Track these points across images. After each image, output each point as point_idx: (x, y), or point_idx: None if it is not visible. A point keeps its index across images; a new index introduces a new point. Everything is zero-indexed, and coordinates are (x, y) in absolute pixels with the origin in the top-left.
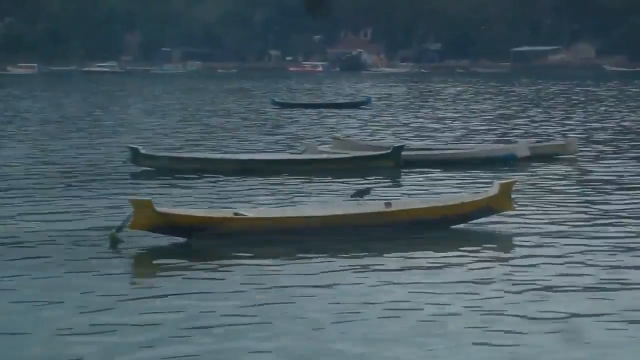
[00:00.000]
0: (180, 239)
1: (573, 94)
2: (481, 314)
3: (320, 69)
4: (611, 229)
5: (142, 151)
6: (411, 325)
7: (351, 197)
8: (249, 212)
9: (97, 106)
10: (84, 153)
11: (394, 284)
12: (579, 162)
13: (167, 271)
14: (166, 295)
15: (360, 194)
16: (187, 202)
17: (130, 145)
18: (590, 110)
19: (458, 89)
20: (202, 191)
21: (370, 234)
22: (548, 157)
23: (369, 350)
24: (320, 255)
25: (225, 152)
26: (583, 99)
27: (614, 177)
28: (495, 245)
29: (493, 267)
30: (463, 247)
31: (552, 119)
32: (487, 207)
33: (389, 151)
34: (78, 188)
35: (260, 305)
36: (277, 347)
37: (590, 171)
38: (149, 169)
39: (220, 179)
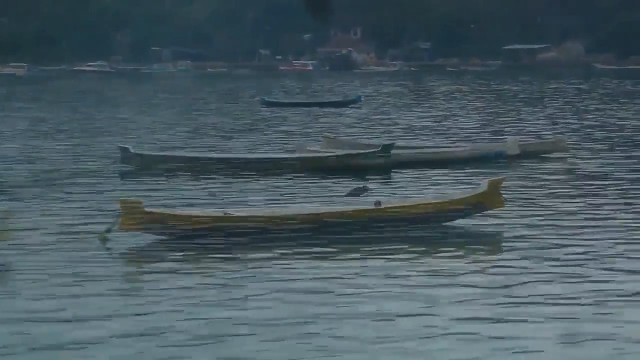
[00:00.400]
0: (170, 239)
1: (563, 92)
2: (472, 311)
3: (311, 67)
4: (601, 225)
5: (133, 150)
6: (405, 324)
7: (346, 195)
8: (239, 212)
9: (86, 105)
10: (74, 152)
11: (384, 282)
12: (569, 159)
13: (156, 271)
14: (155, 295)
15: (357, 192)
16: (177, 201)
17: (121, 145)
18: (580, 108)
19: (448, 87)
20: (193, 190)
21: (360, 232)
22: (537, 155)
23: (363, 351)
24: (310, 254)
25: (216, 151)
26: (573, 97)
27: (604, 174)
28: (485, 242)
29: (483, 264)
30: (453, 244)
31: (542, 117)
32: (477, 205)
33: (378, 149)
34: (68, 188)
35: (250, 304)
36: (267, 346)
37: (580, 168)
38: (140, 168)
39: (211, 178)
